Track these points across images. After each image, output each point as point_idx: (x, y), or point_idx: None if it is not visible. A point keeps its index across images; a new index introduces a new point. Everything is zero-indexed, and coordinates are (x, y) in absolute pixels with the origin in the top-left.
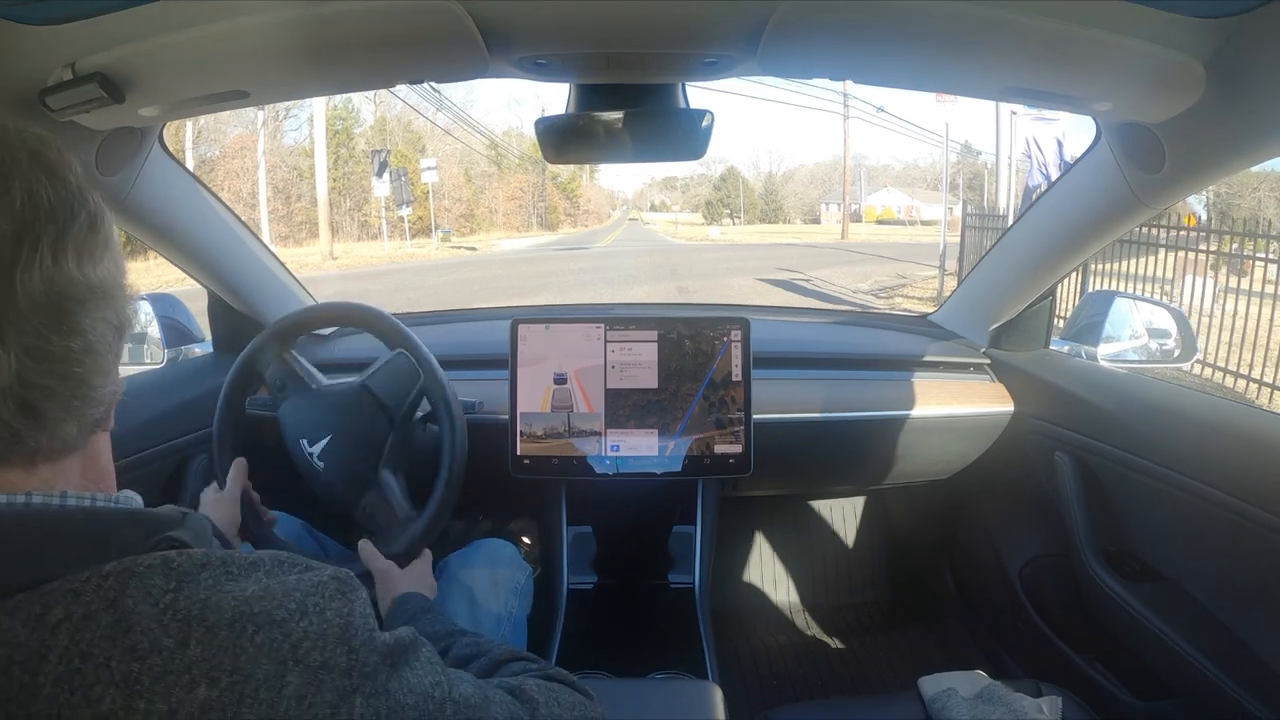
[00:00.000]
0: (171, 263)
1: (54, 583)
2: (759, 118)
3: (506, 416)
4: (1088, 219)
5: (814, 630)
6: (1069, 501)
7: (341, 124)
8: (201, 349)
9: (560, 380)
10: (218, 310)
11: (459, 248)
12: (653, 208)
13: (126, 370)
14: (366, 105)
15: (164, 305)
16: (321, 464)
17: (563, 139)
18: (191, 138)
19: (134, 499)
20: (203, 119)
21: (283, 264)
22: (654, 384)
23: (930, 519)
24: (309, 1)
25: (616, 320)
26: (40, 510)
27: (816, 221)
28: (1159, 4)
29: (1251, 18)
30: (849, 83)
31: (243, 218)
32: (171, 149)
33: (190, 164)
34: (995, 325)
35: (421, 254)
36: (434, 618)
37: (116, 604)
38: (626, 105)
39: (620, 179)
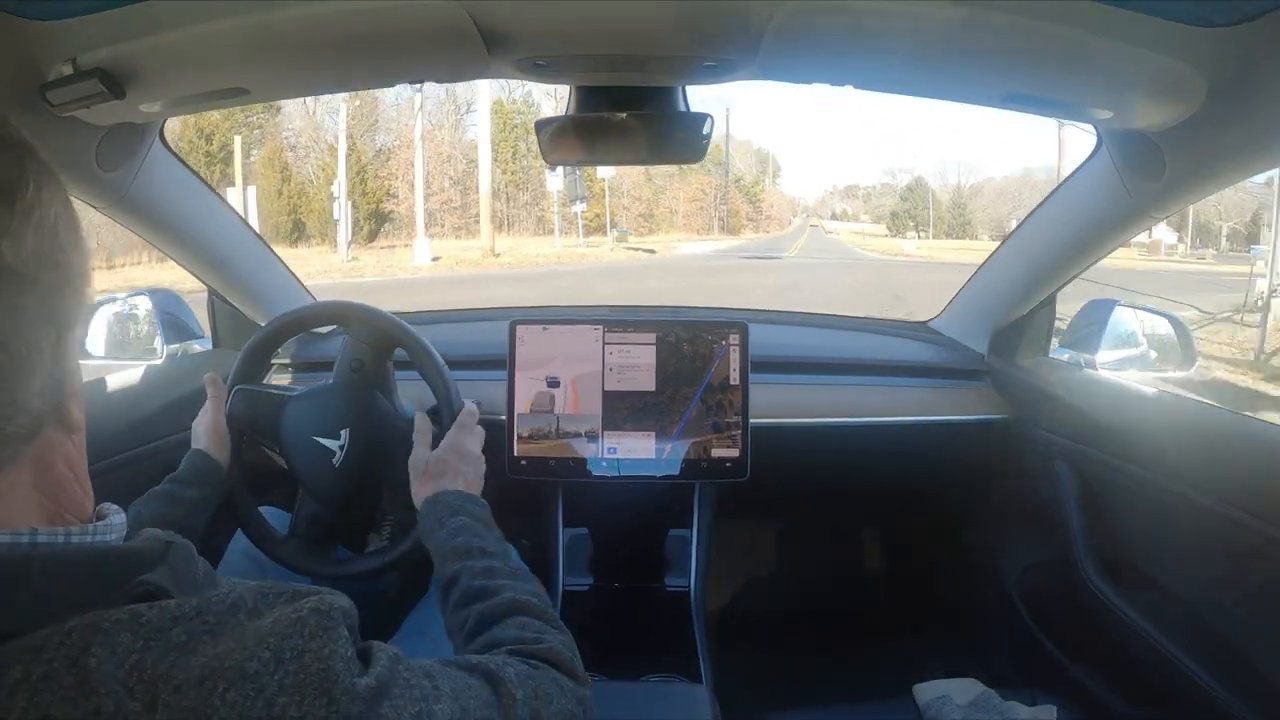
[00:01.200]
0: (171, 259)
1: (16, 639)
2: (947, 125)
3: (504, 417)
4: (1088, 227)
5: (809, 636)
6: (1067, 510)
7: (520, 118)
8: (201, 345)
9: (553, 383)
10: (217, 307)
11: (636, 249)
12: (833, 216)
13: (122, 366)
14: (547, 100)
15: (163, 300)
16: (339, 458)
17: (562, 140)
18: (345, 122)
19: (112, 522)
20: (386, 108)
21: (282, 262)
22: (652, 386)
23: (927, 525)
24: (309, 0)
25: (615, 323)
26: (6, 555)
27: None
28: (1160, 12)
29: (1253, 27)
30: None
31: (408, 205)
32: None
33: (343, 150)
34: (995, 332)
35: (594, 254)
36: (459, 525)
37: (79, 663)
38: (626, 107)
39: (801, 185)
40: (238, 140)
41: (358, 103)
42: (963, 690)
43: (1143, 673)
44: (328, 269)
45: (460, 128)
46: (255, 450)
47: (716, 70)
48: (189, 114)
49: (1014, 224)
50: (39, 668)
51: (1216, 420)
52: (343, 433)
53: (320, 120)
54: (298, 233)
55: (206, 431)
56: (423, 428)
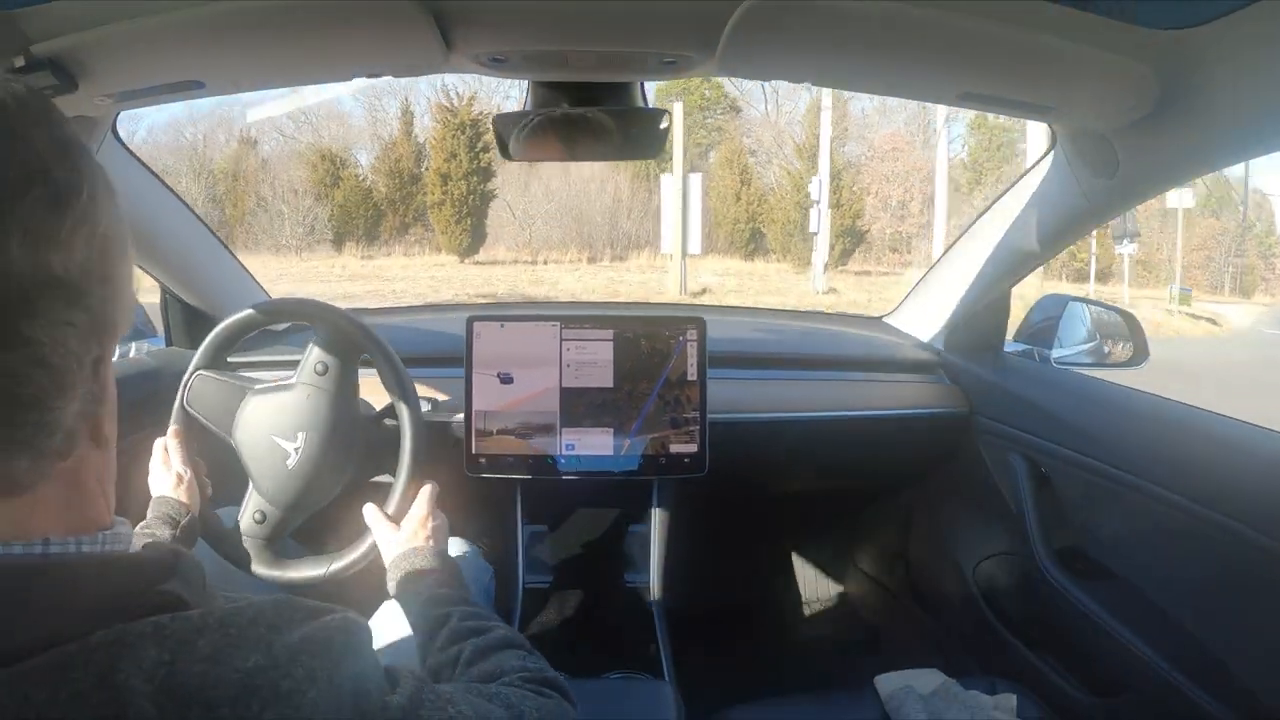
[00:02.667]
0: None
1: (39, 655)
2: None
3: (462, 415)
4: (1042, 224)
5: (771, 629)
6: (1023, 501)
7: (1005, 136)
8: (154, 344)
9: (509, 380)
10: (172, 306)
11: (1198, 317)
12: None
13: None
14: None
15: None
16: (293, 460)
17: (518, 136)
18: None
19: (120, 532)
20: (855, 119)
21: (237, 259)
22: (610, 383)
23: (885, 518)
24: None
25: (572, 319)
26: (20, 564)
27: None
28: (1115, 14)
29: (1206, 30)
30: None
31: (879, 226)
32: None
33: (825, 145)
34: (950, 327)
35: (1156, 321)
36: (435, 579)
37: (107, 681)
38: (585, 103)
39: None
40: (677, 108)
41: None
42: (924, 681)
43: (1100, 660)
44: (799, 299)
45: (929, 145)
46: (210, 449)
47: (675, 66)
48: (142, 106)
49: None
50: (67, 687)
51: (1168, 412)
52: (299, 435)
53: (782, 127)
54: (754, 244)
55: (169, 480)
56: (373, 515)
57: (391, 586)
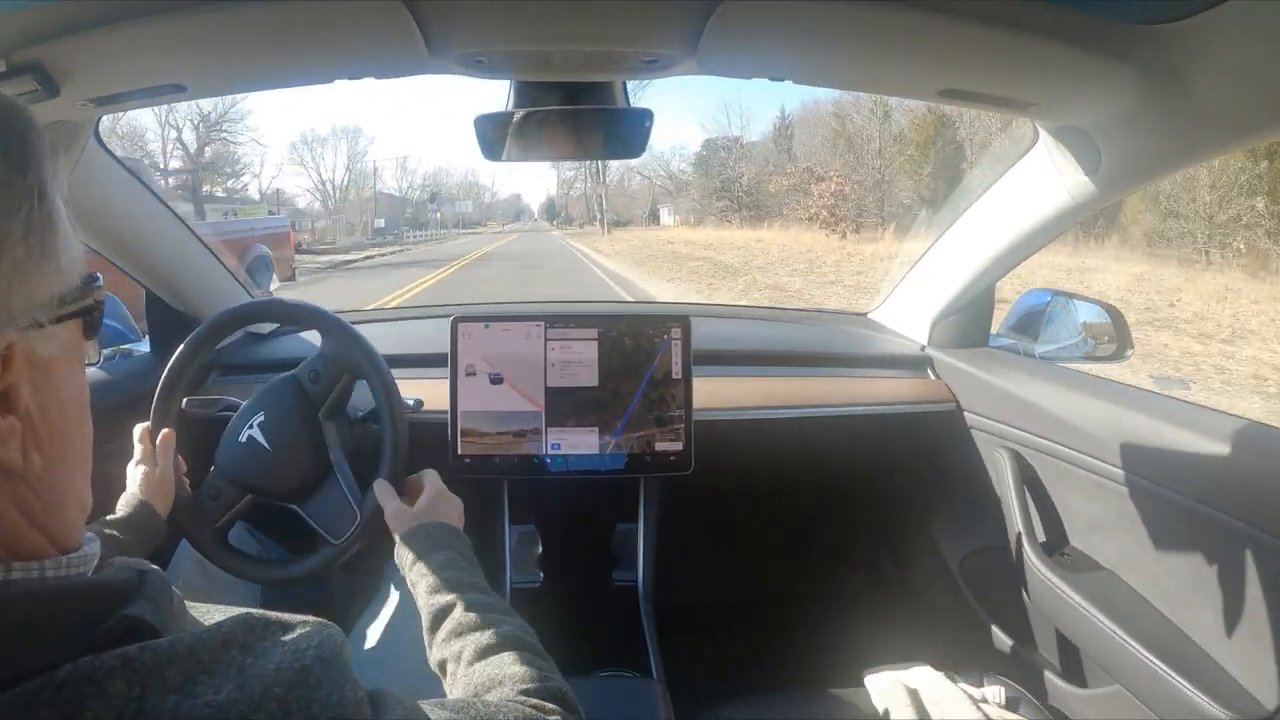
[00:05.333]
0: (107, 259)
1: (1, 693)
2: None
3: (447, 415)
4: (1025, 219)
5: (760, 625)
6: (1009, 495)
7: None
8: (138, 348)
9: (495, 380)
10: (156, 308)
11: None
12: None
13: None
14: None
15: None
16: (266, 443)
17: (500, 136)
18: None
19: (85, 553)
20: None
21: (222, 262)
22: (594, 382)
23: (872, 513)
24: None
25: (556, 318)
26: None
27: None
28: (1095, 9)
29: (1187, 24)
30: None
31: None
32: None
33: None
34: (934, 323)
35: None
36: (447, 559)
37: (75, 719)
38: (566, 103)
39: None
40: None
41: None
42: (913, 675)
43: (1087, 651)
44: None
45: None
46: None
47: (656, 65)
48: (125, 111)
49: None
50: None
51: (1152, 405)
52: (257, 417)
53: None
54: None
55: (146, 483)
56: (384, 491)
57: (399, 563)
